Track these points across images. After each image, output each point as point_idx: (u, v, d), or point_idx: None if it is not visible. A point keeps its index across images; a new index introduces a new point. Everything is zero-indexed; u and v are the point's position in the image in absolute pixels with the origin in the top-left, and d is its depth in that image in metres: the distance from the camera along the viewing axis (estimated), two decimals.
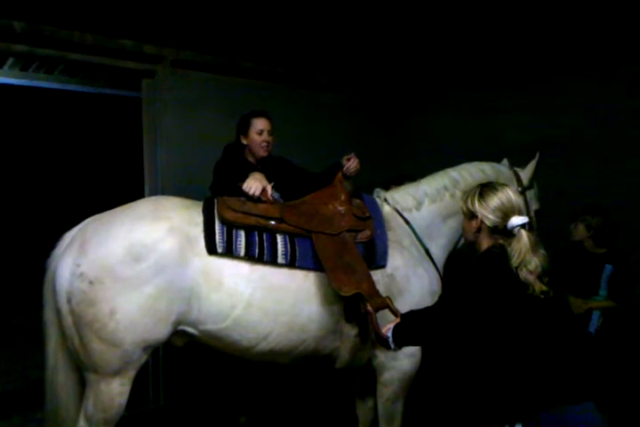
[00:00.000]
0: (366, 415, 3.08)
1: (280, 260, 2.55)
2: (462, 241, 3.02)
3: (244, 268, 2.49)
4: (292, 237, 2.62)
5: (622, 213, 3.60)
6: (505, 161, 3.35)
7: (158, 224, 2.41)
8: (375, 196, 3.03)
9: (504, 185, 2.12)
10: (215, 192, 2.89)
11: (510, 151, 3.40)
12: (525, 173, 3.22)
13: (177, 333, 2.48)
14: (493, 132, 3.84)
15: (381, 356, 2.75)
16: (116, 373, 2.35)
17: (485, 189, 2.05)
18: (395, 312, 2.36)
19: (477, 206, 2.02)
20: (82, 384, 2.47)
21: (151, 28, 3.90)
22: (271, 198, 2.69)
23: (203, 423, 3.82)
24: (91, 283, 2.28)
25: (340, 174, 2.91)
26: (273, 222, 2.61)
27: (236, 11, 3.78)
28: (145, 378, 4.02)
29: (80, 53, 3.84)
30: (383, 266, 2.72)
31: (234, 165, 3.04)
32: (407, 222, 2.94)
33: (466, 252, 3.01)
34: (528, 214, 2.52)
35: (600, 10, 3.63)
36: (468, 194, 2.10)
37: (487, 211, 2.00)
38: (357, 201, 2.87)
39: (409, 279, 2.77)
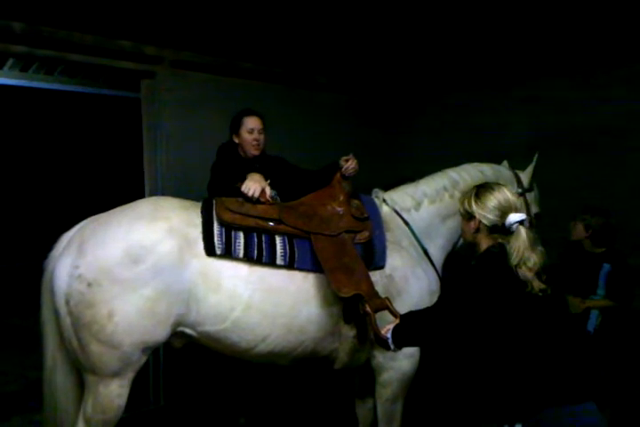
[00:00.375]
0: (366, 416, 3.07)
1: (279, 261, 2.54)
2: (461, 241, 3.02)
3: (242, 269, 2.49)
4: (290, 238, 2.62)
5: (622, 214, 3.60)
6: (505, 163, 3.35)
7: (156, 225, 2.40)
8: (374, 196, 3.02)
9: (500, 184, 2.13)
10: (213, 192, 2.88)
11: (511, 152, 3.40)
12: (525, 175, 3.22)
13: (176, 334, 2.48)
14: (494, 132, 3.84)
15: (380, 356, 2.75)
16: (115, 374, 2.35)
17: (481, 189, 2.06)
18: (394, 313, 2.36)
19: (475, 207, 2.03)
20: (80, 386, 2.47)
21: (150, 28, 3.90)
22: (270, 199, 2.69)
23: (203, 424, 3.82)
24: (89, 285, 2.27)
25: (338, 175, 2.91)
26: (272, 224, 2.61)
27: (235, 12, 3.78)
28: (145, 379, 4.02)
29: (80, 54, 3.84)
30: (382, 267, 2.72)
31: (230, 164, 3.04)
32: (406, 223, 2.93)
33: (462, 253, 3.02)
34: (528, 216, 2.52)
35: (601, 9, 3.64)
36: (464, 195, 2.12)
37: (485, 210, 2.00)
38: (356, 202, 2.87)
39: (407, 280, 2.76)
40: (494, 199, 2.00)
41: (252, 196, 2.63)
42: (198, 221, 2.51)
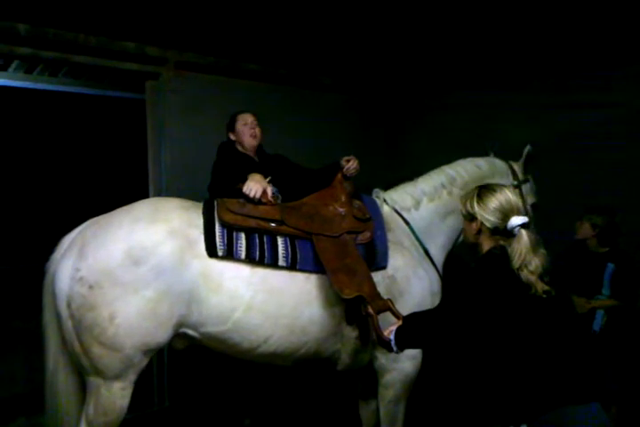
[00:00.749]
0: (369, 417, 3.07)
1: (281, 262, 2.54)
2: (462, 238, 3.01)
3: (244, 271, 2.48)
4: (292, 239, 2.61)
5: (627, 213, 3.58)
6: (492, 154, 3.34)
7: (157, 227, 2.39)
8: (374, 196, 3.02)
9: (502, 186, 2.11)
10: (214, 193, 2.88)
11: (513, 152, 3.38)
12: (518, 167, 3.22)
13: (178, 335, 2.48)
14: (497, 133, 3.82)
15: (382, 358, 2.74)
16: (117, 376, 2.35)
17: (483, 190, 2.04)
18: (396, 315, 2.35)
19: (477, 208, 2.01)
20: (82, 388, 2.47)
21: (154, 30, 3.91)
22: (272, 200, 2.68)
23: (207, 425, 3.82)
24: (90, 287, 2.27)
25: (339, 175, 2.91)
26: (273, 224, 2.60)
27: (239, 13, 3.78)
28: (150, 380, 4.03)
29: (84, 55, 3.85)
30: (384, 267, 2.71)
31: (230, 161, 3.06)
32: (407, 223, 2.93)
33: (455, 252, 3.01)
34: (524, 208, 2.51)
35: (605, 9, 3.61)
36: (466, 196, 2.09)
37: (486, 212, 1.98)
38: (357, 202, 2.86)
39: (409, 280, 2.76)
40: (496, 201, 1.99)
41: (254, 197, 2.63)
42: (199, 221, 2.51)
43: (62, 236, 2.53)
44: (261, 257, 2.51)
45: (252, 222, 2.57)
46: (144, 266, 2.31)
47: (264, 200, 2.65)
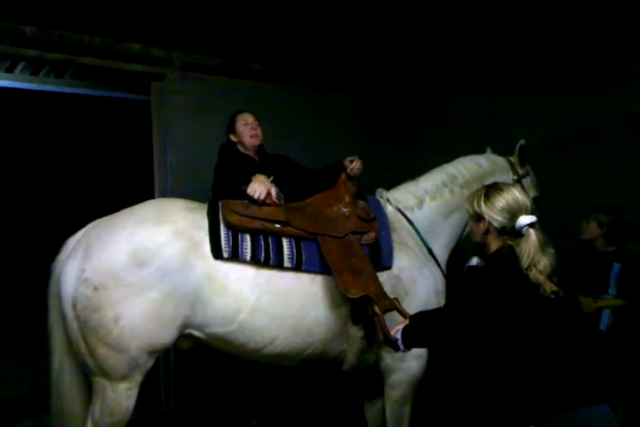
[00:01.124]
0: (375, 418, 3.06)
1: (286, 264, 2.54)
2: (465, 236, 3.04)
3: (249, 272, 2.48)
4: (297, 240, 2.61)
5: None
6: (488, 150, 3.34)
7: (162, 228, 2.40)
8: (378, 196, 3.02)
9: (509, 185, 2.10)
10: (217, 194, 2.88)
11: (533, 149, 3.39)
12: (516, 162, 3.22)
13: (183, 336, 2.48)
14: (503, 133, 3.79)
15: (389, 358, 2.73)
16: (123, 377, 2.35)
17: (491, 189, 2.03)
18: (403, 314, 2.34)
19: (484, 208, 2.00)
20: (88, 389, 2.48)
21: (160, 31, 3.91)
22: (276, 201, 2.68)
23: (214, 426, 3.82)
24: (95, 289, 2.28)
25: (343, 176, 2.91)
26: (278, 226, 2.60)
27: (244, 13, 3.79)
28: (156, 380, 4.03)
29: (90, 57, 3.86)
30: (389, 267, 2.71)
31: (232, 162, 3.07)
32: (410, 222, 2.93)
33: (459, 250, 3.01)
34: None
35: (604, 11, 3.60)
36: (473, 196, 2.08)
37: (494, 212, 1.97)
38: (361, 202, 2.86)
39: (415, 280, 2.75)
40: (504, 200, 1.97)
41: (258, 198, 2.63)
42: (204, 223, 2.51)
43: (68, 237, 2.54)
44: (267, 258, 2.51)
45: (257, 224, 2.57)
46: (149, 267, 2.31)
47: (268, 201, 2.66)
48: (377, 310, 2.38)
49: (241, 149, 3.24)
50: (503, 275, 1.90)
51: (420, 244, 2.91)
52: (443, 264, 2.98)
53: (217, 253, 2.43)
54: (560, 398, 1.80)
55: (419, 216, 2.96)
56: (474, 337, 1.92)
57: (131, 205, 2.59)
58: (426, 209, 2.98)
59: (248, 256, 2.48)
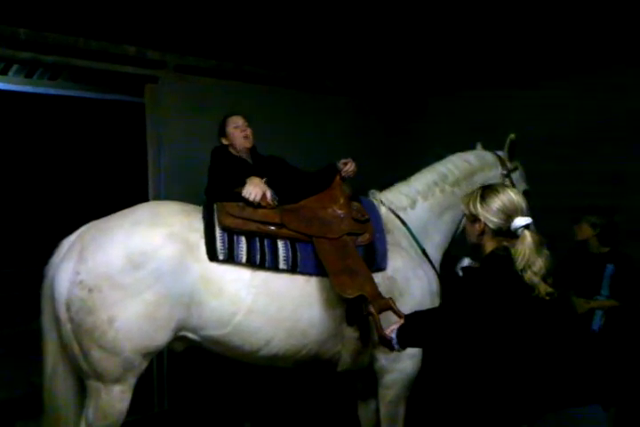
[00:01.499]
0: (369, 418, 3.06)
1: (282, 265, 2.54)
2: (459, 231, 3.06)
3: (245, 274, 2.48)
4: (292, 242, 2.62)
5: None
6: (479, 146, 3.36)
7: (157, 230, 2.40)
8: (371, 197, 3.03)
9: (505, 186, 2.12)
10: (211, 197, 2.88)
11: (517, 153, 3.40)
12: (505, 156, 3.25)
13: (177, 338, 2.48)
14: (499, 133, 3.81)
15: (383, 359, 2.74)
16: (117, 380, 2.34)
17: (487, 191, 2.03)
18: (398, 314, 2.35)
19: (480, 209, 2.00)
20: (81, 392, 2.47)
21: (154, 33, 3.91)
22: (271, 203, 2.69)
23: None
24: (90, 291, 2.27)
25: (338, 178, 2.92)
26: (273, 228, 2.61)
27: (239, 15, 3.79)
28: (149, 382, 4.01)
29: (83, 59, 3.86)
30: (384, 268, 2.72)
31: (225, 165, 3.07)
32: (403, 223, 2.94)
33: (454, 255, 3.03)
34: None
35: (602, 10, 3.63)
36: (469, 197, 2.08)
37: (490, 213, 1.98)
38: (356, 204, 2.87)
39: (409, 281, 2.76)
40: (499, 202, 1.98)
41: (254, 200, 2.63)
42: (199, 225, 2.51)
43: (61, 239, 2.52)
44: (262, 260, 2.51)
45: (253, 226, 2.58)
46: (144, 270, 2.31)
47: (263, 203, 2.66)
48: (372, 309, 2.38)
49: (233, 151, 3.24)
50: (498, 276, 1.90)
51: (414, 244, 2.92)
52: (436, 264, 2.99)
53: (212, 255, 2.44)
54: (553, 397, 1.81)
55: (412, 217, 2.97)
56: (468, 337, 1.93)
57: (124, 208, 2.58)
58: (419, 209, 3.00)
59: (244, 258, 2.48)
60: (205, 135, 4.09)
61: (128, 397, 2.40)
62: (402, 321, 2.16)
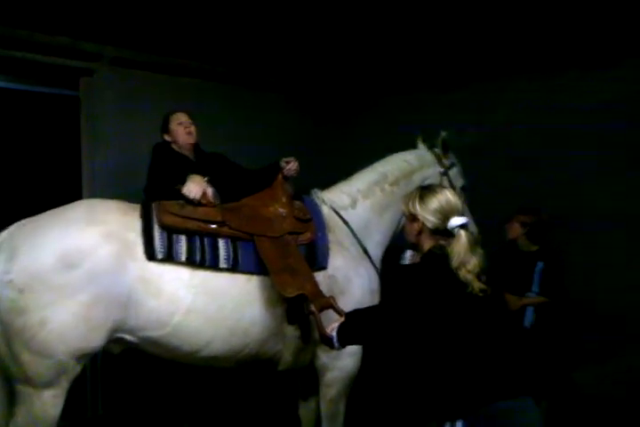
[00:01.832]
0: (309, 417, 3.07)
1: (222, 264, 2.51)
2: (399, 229, 3.08)
3: (184, 273, 2.44)
4: (233, 240, 2.59)
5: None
6: (419, 142, 3.43)
7: (93, 229, 2.32)
8: (313, 197, 3.04)
9: (443, 187, 2.18)
10: (150, 195, 2.82)
11: (461, 151, 3.51)
12: (440, 153, 3.33)
13: (114, 340, 2.41)
14: (440, 132, 3.90)
15: (324, 357, 2.76)
16: (49, 384, 2.25)
17: (425, 191, 2.09)
18: (339, 312, 2.37)
19: (418, 209, 2.05)
20: (11, 396, 2.35)
21: (90, 25, 3.79)
22: (212, 201, 2.66)
23: None
24: (20, 291, 2.18)
25: (280, 176, 2.92)
26: (214, 226, 2.57)
27: (178, 9, 3.72)
28: (83, 386, 3.89)
29: (14, 50, 3.70)
30: (325, 267, 2.74)
31: (166, 162, 3.03)
32: (345, 222, 2.97)
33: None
34: (454, 191, 2.61)
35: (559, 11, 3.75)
36: (408, 197, 2.14)
37: (428, 213, 2.03)
38: (298, 203, 2.88)
39: (350, 279, 2.79)
40: (437, 202, 2.03)
41: (194, 198, 2.59)
42: (137, 224, 2.45)
43: None
44: (202, 259, 2.48)
45: (193, 224, 2.54)
46: (78, 269, 2.23)
47: (204, 202, 2.63)
48: (313, 308, 2.40)
49: (176, 148, 3.20)
50: (434, 273, 1.95)
51: (356, 243, 2.95)
52: (377, 263, 3.03)
53: (151, 254, 2.38)
54: (486, 391, 1.86)
55: (353, 216, 3.00)
56: (405, 332, 1.97)
57: (57, 206, 2.48)
58: (360, 208, 3.03)
59: (183, 257, 2.44)
60: (143, 130, 4.01)
61: (61, 402, 2.30)
62: (342, 319, 2.18)
